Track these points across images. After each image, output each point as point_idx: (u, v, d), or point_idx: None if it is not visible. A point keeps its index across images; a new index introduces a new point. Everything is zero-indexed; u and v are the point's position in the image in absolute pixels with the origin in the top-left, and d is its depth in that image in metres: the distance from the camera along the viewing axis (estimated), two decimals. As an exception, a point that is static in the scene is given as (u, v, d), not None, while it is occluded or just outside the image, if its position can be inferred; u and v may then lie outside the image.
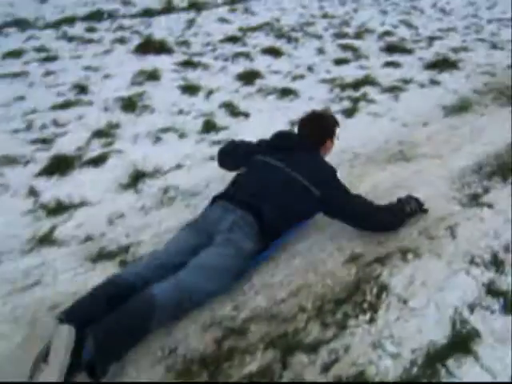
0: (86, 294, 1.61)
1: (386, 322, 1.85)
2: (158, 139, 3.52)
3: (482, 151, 3.32)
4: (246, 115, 4.03)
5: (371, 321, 1.85)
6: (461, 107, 4.14)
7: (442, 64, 5.28)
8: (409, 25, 7.32)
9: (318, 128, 2.32)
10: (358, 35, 6.64)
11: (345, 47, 6.02)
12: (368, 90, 4.52)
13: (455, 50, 5.93)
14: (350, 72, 5.12)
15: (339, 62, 5.46)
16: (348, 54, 5.74)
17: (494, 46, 6.22)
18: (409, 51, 5.83)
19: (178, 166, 3.13)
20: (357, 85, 4.65)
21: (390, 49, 5.87)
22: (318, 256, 2.27)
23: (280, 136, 2.32)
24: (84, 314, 1.47)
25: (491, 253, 2.28)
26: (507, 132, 3.62)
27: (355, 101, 4.23)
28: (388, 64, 5.36)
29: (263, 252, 2.00)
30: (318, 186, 2.04)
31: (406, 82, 4.74)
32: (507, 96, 4.41)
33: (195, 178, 2.98)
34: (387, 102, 4.25)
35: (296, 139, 2.30)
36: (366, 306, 1.94)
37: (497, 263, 2.20)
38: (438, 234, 2.43)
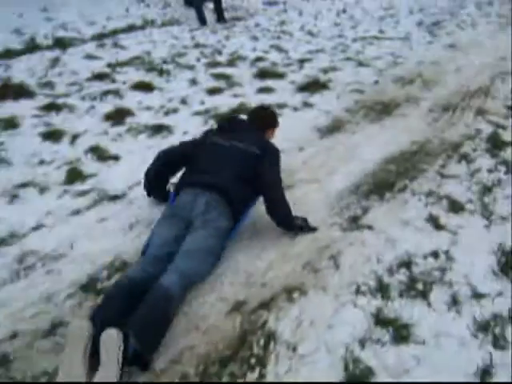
0: (106, 295, 1.90)
1: (276, 376, 1.76)
2: (14, 197, 3.13)
3: (359, 170, 3.39)
4: (116, 158, 3.77)
5: (261, 377, 1.75)
6: (334, 127, 4.27)
7: (313, 86, 5.47)
8: (279, 49, 7.57)
9: (266, 117, 2.86)
10: (231, 63, 6.70)
11: (218, 76, 6.01)
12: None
13: (325, 71, 6.20)
14: (225, 101, 5.09)
15: (213, 91, 5.41)
16: (221, 83, 5.72)
17: (360, 64, 6.62)
18: (281, 75, 5.97)
19: (38, 227, 2.82)
20: (231, 114, 4.59)
21: (263, 74, 5.98)
22: (200, 311, 2.08)
23: (231, 120, 2.79)
24: (113, 314, 1.74)
25: (376, 278, 2.26)
26: (380, 147, 3.75)
27: (231, 131, 4.14)
28: (261, 90, 5.43)
29: (232, 230, 2.32)
30: (262, 151, 2.41)
31: (280, 106, 4.81)
32: (376, 111, 4.63)
33: (58, 238, 2.70)
34: (263, 129, 4.22)
35: (246, 123, 2.72)
36: (253, 361, 1.85)
37: (382, 289, 2.17)
38: (321, 265, 2.37)
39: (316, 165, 3.53)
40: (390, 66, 6.63)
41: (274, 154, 2.50)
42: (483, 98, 5.21)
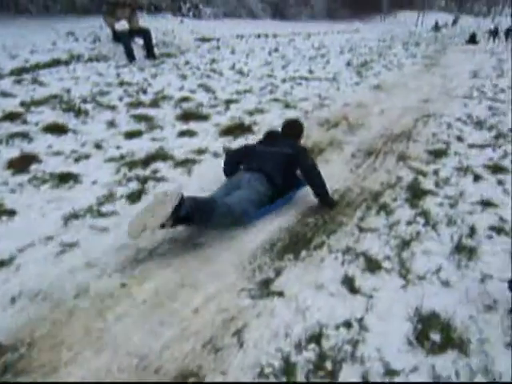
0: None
1: None
2: None
3: (275, 224, 3.23)
4: (11, 213, 3.39)
5: None
6: (255, 175, 4.11)
7: (238, 129, 5.37)
8: (207, 89, 7.49)
9: (295, 129, 3.87)
10: (155, 103, 6.51)
11: (139, 117, 5.79)
12: (159, 165, 4.28)
13: (251, 113, 6.15)
14: (143, 145, 4.86)
15: (131, 134, 5.17)
16: (142, 125, 5.50)
17: (287, 106, 6.64)
18: (205, 117, 5.85)
19: None
20: (147, 161, 4.38)
21: (187, 116, 5.84)
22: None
23: (270, 133, 3.83)
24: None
25: (282, 357, 2.05)
26: (298, 199, 3.63)
27: (144, 181, 3.92)
28: (183, 133, 5.26)
29: (267, 206, 3.27)
30: (294, 150, 3.47)
31: (201, 152, 4.65)
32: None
33: None
34: (179, 178, 4.03)
35: (280, 134, 3.80)
36: None
37: (288, 370, 1.97)
38: (224, 343, 2.15)
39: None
40: (317, 108, 6.70)
41: (303, 151, 3.54)
42: (405, 143, 5.31)
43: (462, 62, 13.58)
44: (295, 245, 3.01)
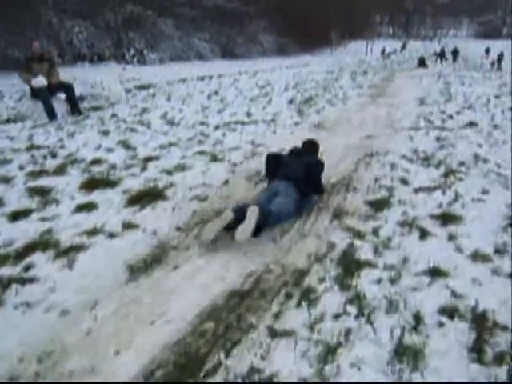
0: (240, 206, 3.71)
1: None
2: None
3: (160, 339, 2.45)
4: None
5: None
6: (153, 260, 3.38)
7: (149, 195, 4.64)
8: (127, 146, 6.77)
9: (312, 147, 4.80)
10: (61, 169, 5.72)
11: (35, 191, 4.98)
12: (36, 258, 3.47)
13: (170, 172, 5.45)
14: (28, 228, 4.04)
15: (18, 215, 4.35)
16: (34, 202, 4.67)
17: (214, 159, 5.99)
18: (114, 183, 5.10)
19: None
20: (24, 252, 3.56)
21: (92, 184, 5.07)
22: None
23: (294, 150, 4.70)
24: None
25: None
26: (202, 290, 2.89)
27: (6, 284, 3.10)
28: (81, 208, 4.47)
29: (302, 203, 4.09)
30: (313, 160, 4.43)
31: (94, 233, 3.86)
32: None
33: None
34: (55, 275, 3.22)
35: (302, 150, 4.69)
36: None
37: None
38: None
39: (104, 335, 2.55)
40: (248, 158, 6.06)
41: (322, 163, 4.45)
42: (343, 193, 4.69)
43: (409, 89, 13.41)
44: (181, 371, 2.24)
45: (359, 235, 3.67)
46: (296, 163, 4.29)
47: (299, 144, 4.95)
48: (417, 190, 4.71)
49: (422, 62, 26.52)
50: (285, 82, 16.12)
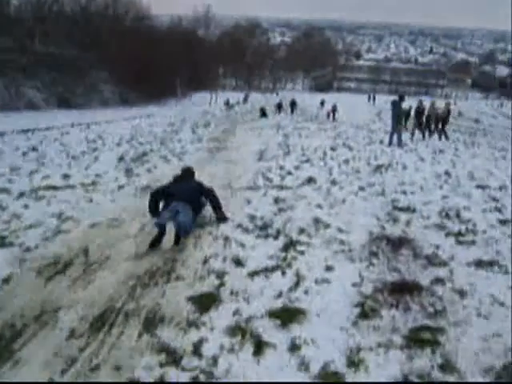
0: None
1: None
2: None
3: None
4: None
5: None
6: None
7: None
8: None
9: (190, 171, 5.78)
10: None
11: None
12: None
13: None
14: None
15: None
16: None
17: (2, 243, 4.56)
18: None
19: None
20: None
21: None
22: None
23: (177, 177, 5.68)
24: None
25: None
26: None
27: None
28: None
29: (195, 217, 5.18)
30: (197, 184, 5.47)
31: None
32: None
33: None
34: None
35: (182, 176, 5.65)
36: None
37: None
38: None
39: None
40: (47, 240, 4.80)
41: (202, 183, 5.60)
42: (162, 286, 3.70)
43: (249, 142, 13.22)
44: None
45: (174, 360, 2.68)
46: (183, 187, 5.32)
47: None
48: (253, 274, 3.93)
49: (263, 113, 27.76)
50: (120, 135, 14.94)
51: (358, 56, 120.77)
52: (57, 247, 4.60)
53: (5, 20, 35.63)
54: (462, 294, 3.74)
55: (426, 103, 16.35)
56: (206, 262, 4.21)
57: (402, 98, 13.41)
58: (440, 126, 15.56)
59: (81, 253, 4.47)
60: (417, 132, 15.29)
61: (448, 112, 15.69)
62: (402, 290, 3.73)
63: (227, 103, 38.27)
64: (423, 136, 15.29)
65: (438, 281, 3.94)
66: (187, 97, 55.87)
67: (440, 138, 15.20)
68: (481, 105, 58.44)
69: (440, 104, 16.70)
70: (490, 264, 4.28)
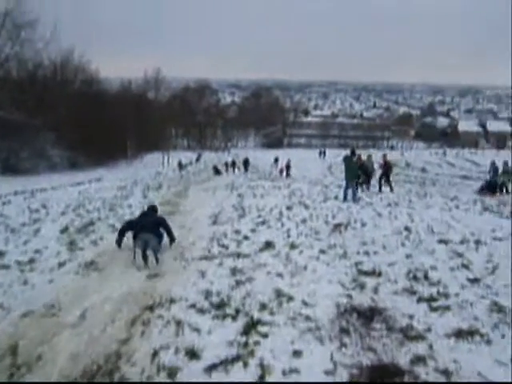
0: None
1: None
2: None
3: None
4: None
5: None
6: None
7: None
8: None
9: (154, 208, 7.87)
10: None
11: None
12: None
13: None
14: None
15: None
16: None
17: None
18: None
19: None
20: None
21: None
22: None
23: (143, 212, 7.74)
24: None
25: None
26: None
27: None
28: None
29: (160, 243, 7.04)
30: (160, 218, 7.48)
31: None
32: None
33: None
34: None
35: (149, 211, 7.63)
36: None
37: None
38: None
39: None
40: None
41: (164, 218, 7.52)
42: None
43: (203, 204, 12.77)
44: None
45: None
46: (148, 221, 7.05)
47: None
48: (210, 369, 3.37)
49: (216, 171, 28.06)
50: (65, 202, 14.14)
51: (306, 113, 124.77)
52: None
53: None
54: (447, 374, 3.33)
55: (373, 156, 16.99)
56: (155, 355, 3.62)
57: (353, 153, 13.49)
58: (381, 178, 16.01)
59: (8, 352, 3.78)
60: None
61: (385, 164, 16.22)
62: (382, 376, 3.27)
63: (180, 164, 38.00)
64: (367, 188, 15.70)
65: (419, 360, 3.54)
66: (138, 158, 55.35)
67: (380, 190, 15.58)
68: (425, 154, 60.83)
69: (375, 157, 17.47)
70: (471, 334, 3.93)
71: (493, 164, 18.95)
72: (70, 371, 3.50)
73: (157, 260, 6.42)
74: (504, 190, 16.96)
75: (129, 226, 7.11)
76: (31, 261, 6.67)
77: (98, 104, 47.31)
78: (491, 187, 17.01)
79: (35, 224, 10.02)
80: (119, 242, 6.94)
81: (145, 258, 6.34)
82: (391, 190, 15.79)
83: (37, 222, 10.39)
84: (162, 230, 7.09)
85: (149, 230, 6.73)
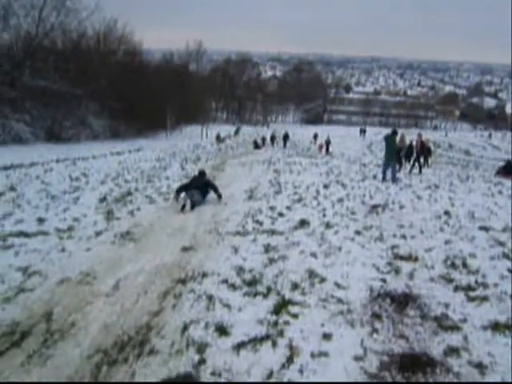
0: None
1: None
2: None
3: None
4: None
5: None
6: None
7: None
8: None
9: (203, 172, 10.39)
10: None
11: None
12: None
13: None
14: None
15: None
16: None
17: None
18: None
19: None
20: None
21: None
22: None
23: (195, 176, 10.23)
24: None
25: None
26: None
27: None
28: None
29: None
30: (206, 181, 9.97)
31: None
32: None
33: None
34: None
35: (198, 176, 10.15)
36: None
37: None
38: None
39: None
40: (5, 301, 4.25)
41: (210, 180, 10.28)
42: (132, 362, 3.13)
43: (239, 178, 12.79)
44: None
45: None
46: (198, 182, 9.48)
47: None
48: (238, 346, 3.38)
49: (256, 145, 28.16)
50: (105, 171, 14.44)
51: (348, 89, 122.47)
52: (16, 311, 4.03)
53: (-7, 54, 35.51)
54: (481, 368, 3.22)
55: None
56: (185, 329, 3.66)
57: (394, 133, 13.13)
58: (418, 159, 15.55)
59: (43, 318, 3.90)
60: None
61: (421, 144, 15.78)
62: (413, 365, 3.20)
63: (218, 137, 38.08)
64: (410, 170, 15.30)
65: (453, 351, 3.43)
66: (178, 130, 55.82)
67: (420, 171, 15.15)
68: (470, 136, 58.85)
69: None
70: (508, 327, 3.78)
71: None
72: (102, 341, 3.57)
73: (192, 207, 8.49)
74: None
75: (183, 187, 9.32)
76: (70, 228, 6.85)
77: (140, 75, 47.67)
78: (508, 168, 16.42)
79: (75, 192, 10.27)
80: (176, 198, 9.02)
81: (192, 206, 8.49)
82: (420, 171, 15.31)
83: (77, 190, 10.64)
84: (209, 189, 9.44)
85: (197, 188, 9.13)
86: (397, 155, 14.57)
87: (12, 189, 10.65)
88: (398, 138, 15.21)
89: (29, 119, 36.00)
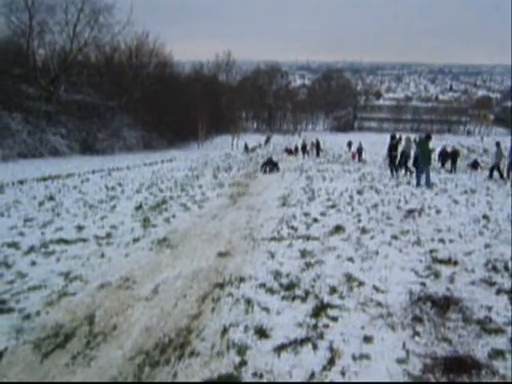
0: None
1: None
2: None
3: None
4: None
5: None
6: None
7: None
8: None
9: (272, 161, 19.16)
10: None
11: None
12: None
13: None
14: None
15: None
16: None
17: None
18: None
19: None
20: None
21: None
22: None
23: (267, 160, 19.47)
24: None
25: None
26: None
27: None
28: None
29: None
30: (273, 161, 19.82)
31: None
32: None
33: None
34: None
35: (269, 160, 19.47)
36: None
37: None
38: None
39: None
40: (52, 304, 4.37)
41: (276, 162, 19.39)
42: (173, 364, 3.16)
43: (271, 186, 12.83)
44: None
45: None
46: (269, 159, 18.84)
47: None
48: (279, 349, 3.38)
49: (289, 152, 29.68)
50: (139, 181, 14.71)
51: (379, 96, 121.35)
52: (60, 314, 4.14)
53: (32, 70, 36.71)
54: (528, 371, 3.12)
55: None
56: (224, 332, 3.69)
57: (428, 137, 12.94)
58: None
59: (85, 321, 4.00)
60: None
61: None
62: (458, 367, 3.13)
63: (246, 147, 38.25)
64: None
65: (497, 353, 3.33)
66: (209, 140, 56.39)
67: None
68: (506, 140, 57.21)
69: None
70: (555, 330, 3.65)
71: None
72: (143, 343, 3.63)
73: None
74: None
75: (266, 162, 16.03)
76: (108, 235, 7.01)
77: (171, 87, 48.51)
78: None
79: (111, 201, 10.50)
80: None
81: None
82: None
83: (113, 199, 10.88)
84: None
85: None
86: (400, 157, 14.53)
87: (51, 198, 10.98)
88: (403, 142, 15.10)
89: (64, 132, 37.04)
